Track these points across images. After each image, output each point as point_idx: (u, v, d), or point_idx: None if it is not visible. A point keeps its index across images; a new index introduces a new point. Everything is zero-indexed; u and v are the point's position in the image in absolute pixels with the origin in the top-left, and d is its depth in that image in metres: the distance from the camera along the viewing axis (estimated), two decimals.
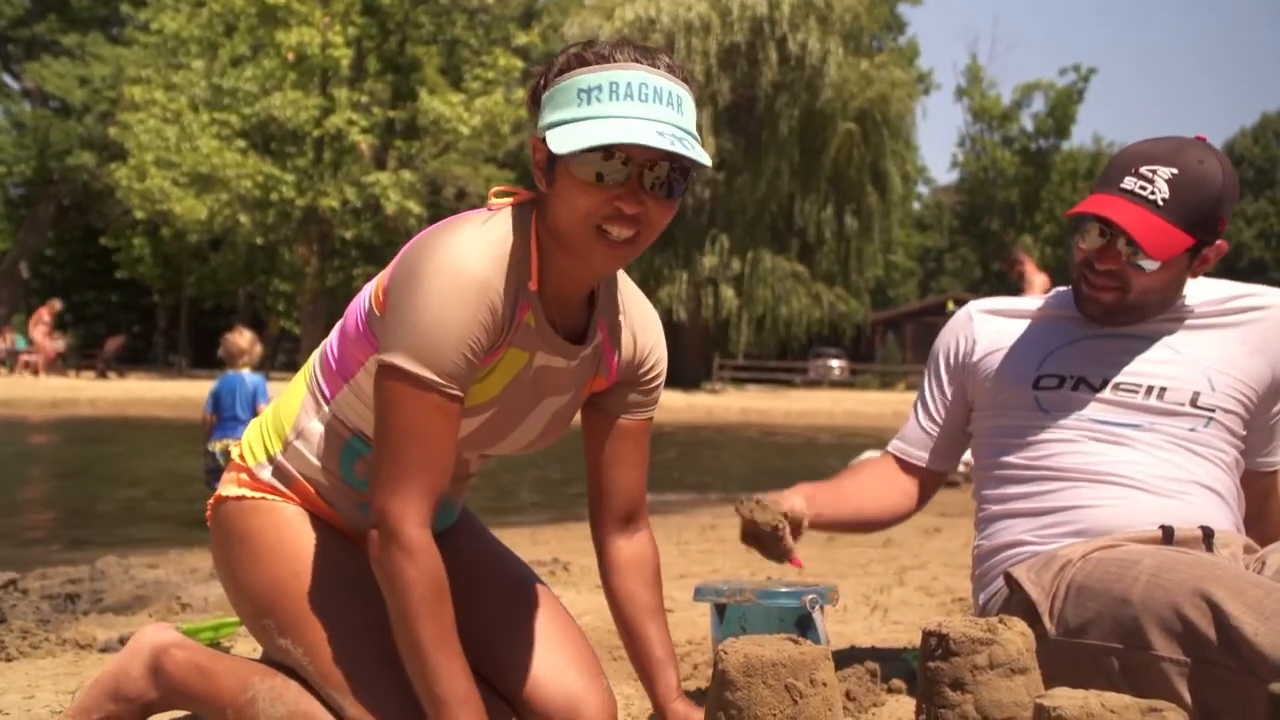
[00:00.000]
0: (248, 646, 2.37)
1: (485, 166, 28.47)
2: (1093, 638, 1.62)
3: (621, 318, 1.58)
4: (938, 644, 1.45)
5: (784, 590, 1.87)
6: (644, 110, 1.32)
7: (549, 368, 1.51)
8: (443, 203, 28.22)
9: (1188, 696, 1.51)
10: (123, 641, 2.16)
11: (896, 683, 2.05)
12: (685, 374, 26.17)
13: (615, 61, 1.34)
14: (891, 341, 37.09)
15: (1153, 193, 1.75)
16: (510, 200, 1.47)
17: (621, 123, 1.31)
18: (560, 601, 1.71)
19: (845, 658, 2.12)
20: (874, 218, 28.96)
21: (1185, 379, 1.82)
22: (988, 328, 2.00)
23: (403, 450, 1.36)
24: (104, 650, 2.40)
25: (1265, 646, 1.41)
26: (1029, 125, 43.60)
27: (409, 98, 25.50)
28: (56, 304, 23.01)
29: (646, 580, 1.61)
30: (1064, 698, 1.14)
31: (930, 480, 2.11)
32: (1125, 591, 1.59)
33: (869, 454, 4.82)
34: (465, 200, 28.16)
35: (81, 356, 24.77)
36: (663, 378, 1.64)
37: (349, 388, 1.51)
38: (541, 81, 1.41)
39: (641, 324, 1.60)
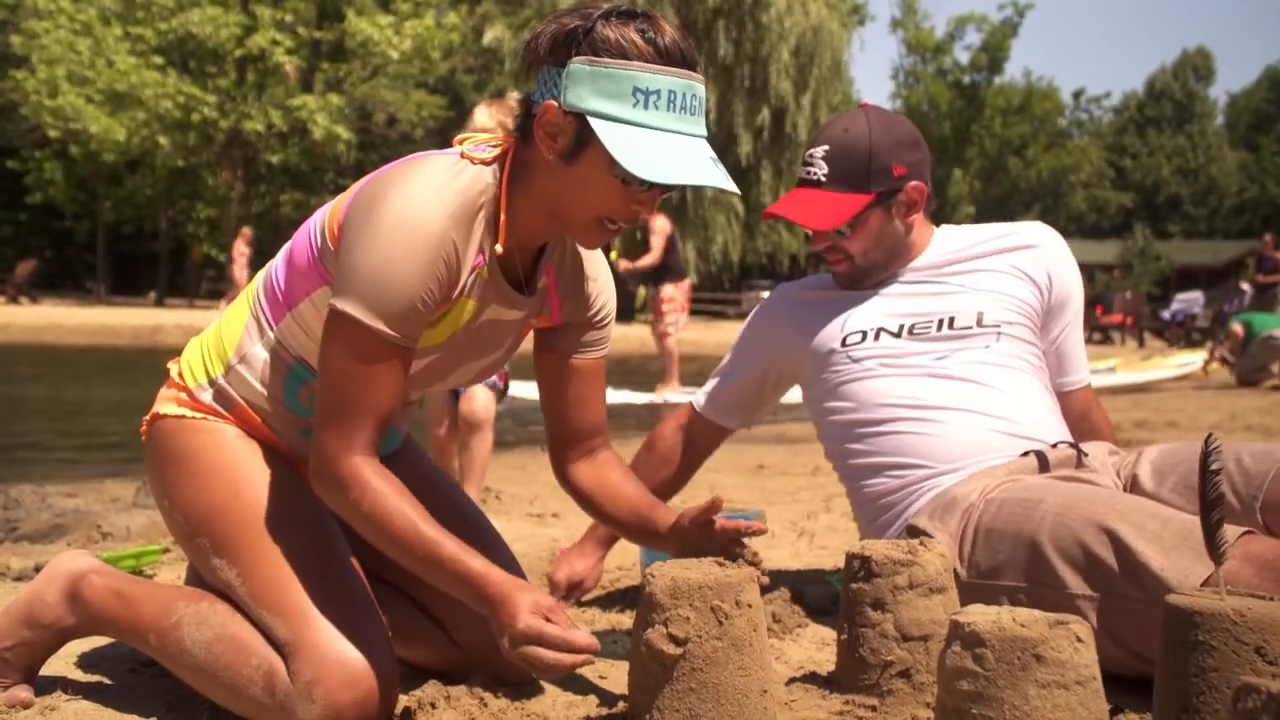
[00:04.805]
0: (171, 575, 2.34)
1: (416, 92, 27.67)
2: (1006, 579, 1.71)
3: (567, 259, 1.57)
4: (860, 566, 1.49)
5: None
6: (692, 126, 1.33)
7: (497, 320, 1.51)
8: (373, 129, 27.45)
9: (1098, 628, 1.59)
10: (38, 570, 2.10)
11: (819, 605, 2.10)
12: (618, 306, 26.02)
13: (667, 59, 1.31)
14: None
15: (815, 173, 2.00)
16: (483, 158, 1.43)
17: (687, 148, 1.32)
18: (494, 528, 1.72)
19: (771, 581, 2.15)
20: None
21: (967, 304, 2.01)
22: (796, 311, 2.12)
23: (348, 395, 1.36)
24: (19, 579, 2.34)
25: (1170, 579, 1.52)
26: (963, 59, 43.80)
27: (335, 18, 24.63)
28: (248, 231, 20.40)
29: (626, 475, 1.64)
30: (978, 614, 1.18)
31: (723, 436, 2.25)
32: (1033, 532, 1.68)
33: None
34: (395, 127, 27.46)
35: None
36: (612, 315, 1.64)
37: (292, 316, 1.49)
38: (579, 39, 1.32)
39: (586, 263, 1.60)
